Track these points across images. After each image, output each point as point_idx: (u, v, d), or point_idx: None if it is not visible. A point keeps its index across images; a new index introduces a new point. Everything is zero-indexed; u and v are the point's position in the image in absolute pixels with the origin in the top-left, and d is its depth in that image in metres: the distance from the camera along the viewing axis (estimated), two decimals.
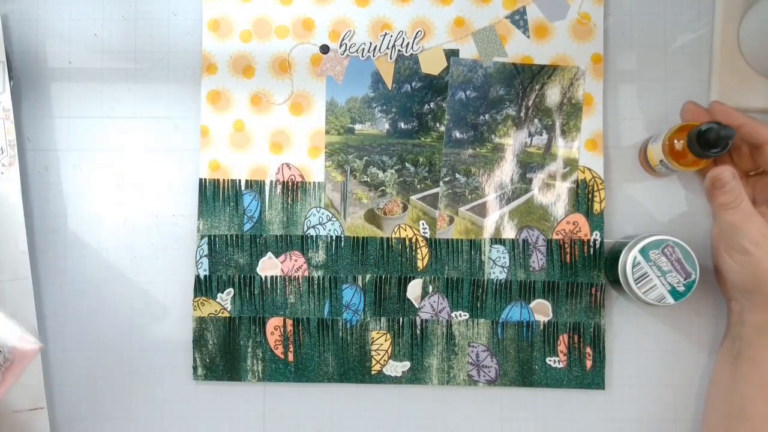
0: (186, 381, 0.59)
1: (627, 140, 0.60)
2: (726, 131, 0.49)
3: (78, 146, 0.61)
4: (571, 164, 0.59)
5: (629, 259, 0.53)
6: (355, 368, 0.59)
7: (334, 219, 0.59)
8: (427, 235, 0.59)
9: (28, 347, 0.52)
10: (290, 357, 0.59)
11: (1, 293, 0.57)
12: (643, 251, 0.53)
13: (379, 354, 0.59)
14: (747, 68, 0.58)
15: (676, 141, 0.53)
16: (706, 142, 0.50)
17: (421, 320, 0.59)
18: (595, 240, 0.58)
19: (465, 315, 0.58)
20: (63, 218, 0.60)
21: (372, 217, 0.59)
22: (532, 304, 0.58)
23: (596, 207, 0.58)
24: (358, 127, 0.60)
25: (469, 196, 0.59)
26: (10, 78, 0.59)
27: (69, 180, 0.61)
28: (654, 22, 0.60)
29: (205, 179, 0.59)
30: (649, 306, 0.53)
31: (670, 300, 0.52)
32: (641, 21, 0.60)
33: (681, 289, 0.52)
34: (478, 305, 0.58)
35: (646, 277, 0.53)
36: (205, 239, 0.59)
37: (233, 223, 0.59)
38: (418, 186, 0.59)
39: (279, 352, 0.59)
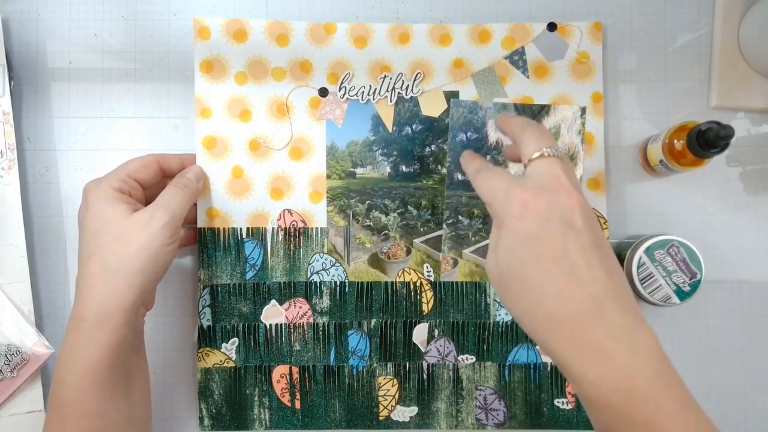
0: None
1: (627, 140, 0.60)
2: (726, 131, 0.48)
3: (78, 146, 0.60)
4: None
5: (634, 259, 0.52)
6: (362, 414, 0.58)
7: (338, 264, 0.59)
8: (432, 278, 0.59)
9: (42, 351, 0.57)
10: (297, 405, 0.58)
11: (0, 294, 0.57)
12: (648, 251, 0.52)
13: (386, 399, 0.58)
14: (747, 68, 0.59)
15: (676, 141, 0.53)
16: (705, 142, 0.50)
17: (428, 364, 0.58)
18: None
19: (471, 358, 0.58)
20: (63, 218, 0.60)
21: (376, 262, 0.59)
22: (538, 346, 0.58)
23: None
24: (359, 170, 0.59)
25: (473, 238, 0.59)
26: (10, 78, 0.58)
27: (69, 180, 0.60)
28: (654, 22, 0.60)
29: (204, 228, 0.58)
30: (656, 307, 0.53)
31: (675, 300, 0.52)
32: (641, 21, 0.60)
33: (686, 289, 0.52)
34: (485, 348, 0.58)
35: (652, 277, 0.52)
36: (207, 289, 0.58)
37: (235, 272, 0.58)
38: (422, 229, 0.59)
39: (286, 400, 0.58)
